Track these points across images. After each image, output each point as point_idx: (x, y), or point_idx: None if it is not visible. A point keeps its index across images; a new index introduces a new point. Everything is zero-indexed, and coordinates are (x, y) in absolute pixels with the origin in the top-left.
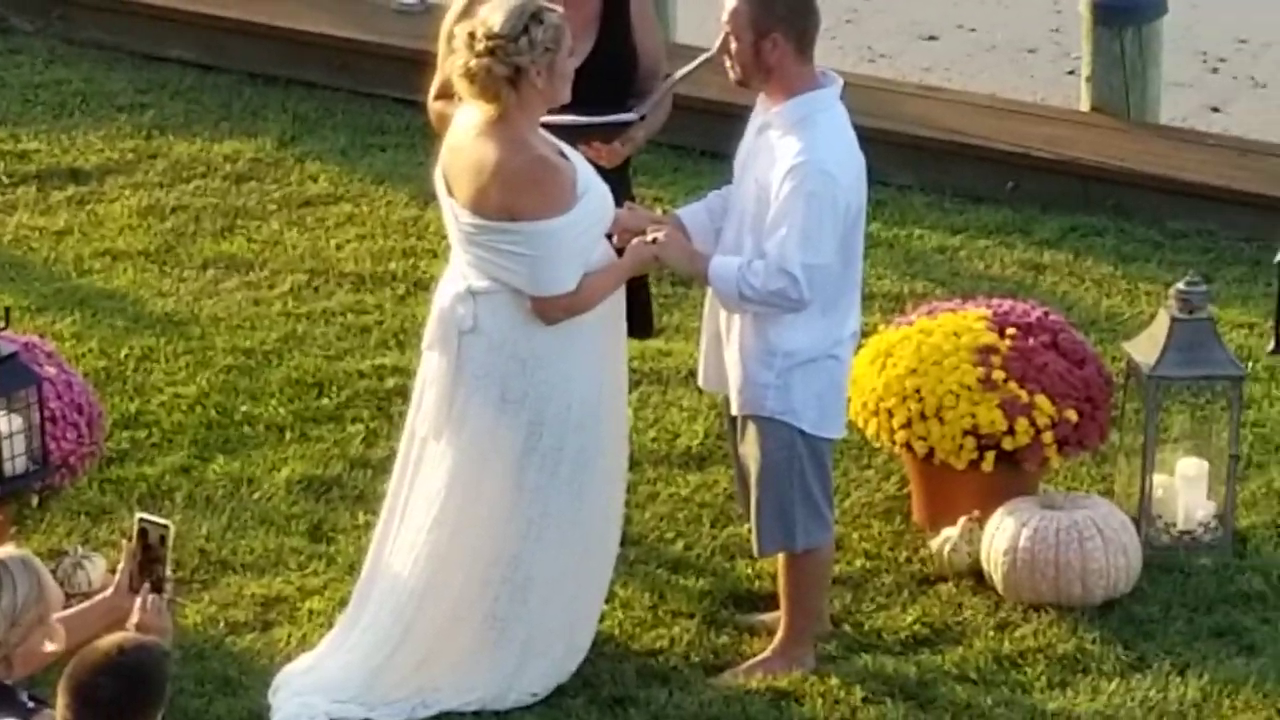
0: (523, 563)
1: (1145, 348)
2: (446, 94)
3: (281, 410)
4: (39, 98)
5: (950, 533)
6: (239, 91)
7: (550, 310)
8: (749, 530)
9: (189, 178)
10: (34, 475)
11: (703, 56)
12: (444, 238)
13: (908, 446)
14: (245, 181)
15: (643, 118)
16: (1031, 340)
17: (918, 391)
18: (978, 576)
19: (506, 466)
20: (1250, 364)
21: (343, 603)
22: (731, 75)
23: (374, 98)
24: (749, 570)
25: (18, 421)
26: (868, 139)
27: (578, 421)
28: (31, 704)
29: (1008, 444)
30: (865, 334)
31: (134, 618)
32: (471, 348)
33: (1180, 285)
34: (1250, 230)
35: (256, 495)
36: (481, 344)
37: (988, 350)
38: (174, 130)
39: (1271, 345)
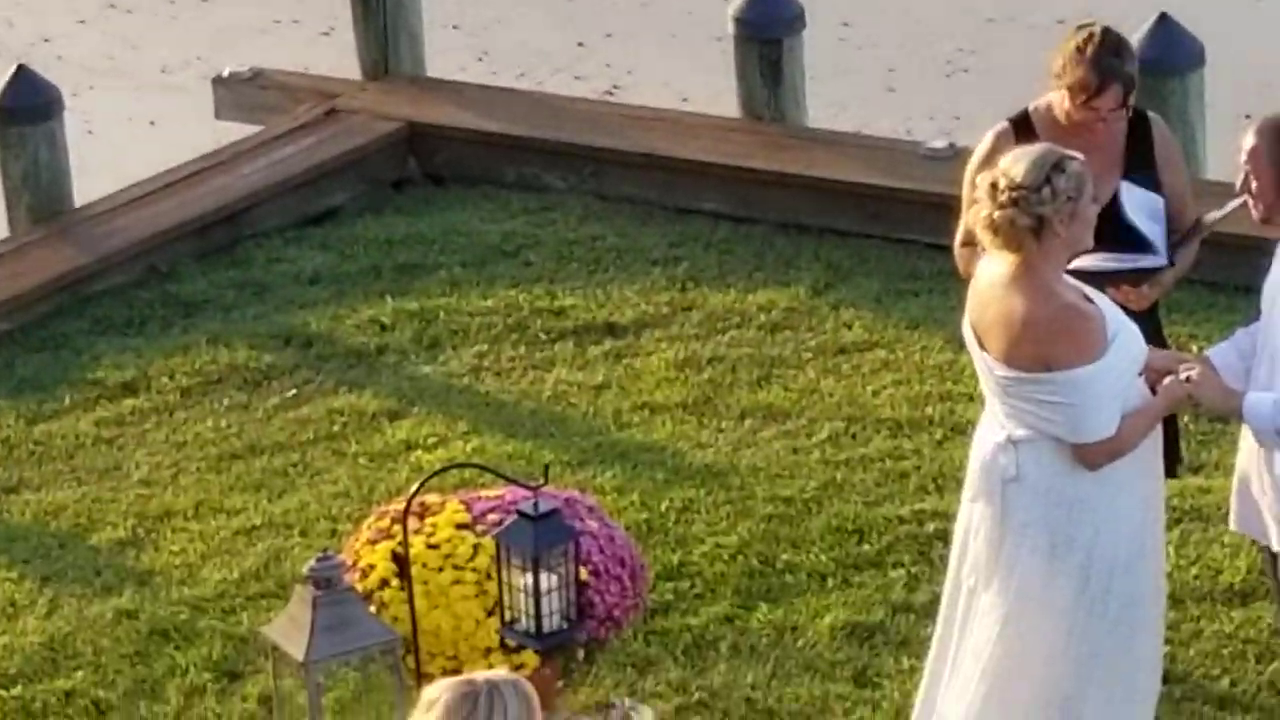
0: (1073, 704)
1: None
2: (970, 241)
3: (823, 557)
4: (574, 254)
5: None
6: (771, 242)
7: (1094, 456)
8: None
9: (724, 329)
10: (570, 630)
11: (1233, 204)
12: (979, 382)
13: None
14: (780, 331)
15: (1172, 263)
16: None
17: None
18: None
19: (1059, 611)
20: None
21: None
22: (1254, 214)
23: (905, 243)
24: None
25: (554, 579)
26: None
27: (1125, 562)
28: None
29: None
30: None
31: None
32: (1016, 496)
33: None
34: None
35: (800, 642)
36: (1026, 492)
37: None
38: (708, 282)
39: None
